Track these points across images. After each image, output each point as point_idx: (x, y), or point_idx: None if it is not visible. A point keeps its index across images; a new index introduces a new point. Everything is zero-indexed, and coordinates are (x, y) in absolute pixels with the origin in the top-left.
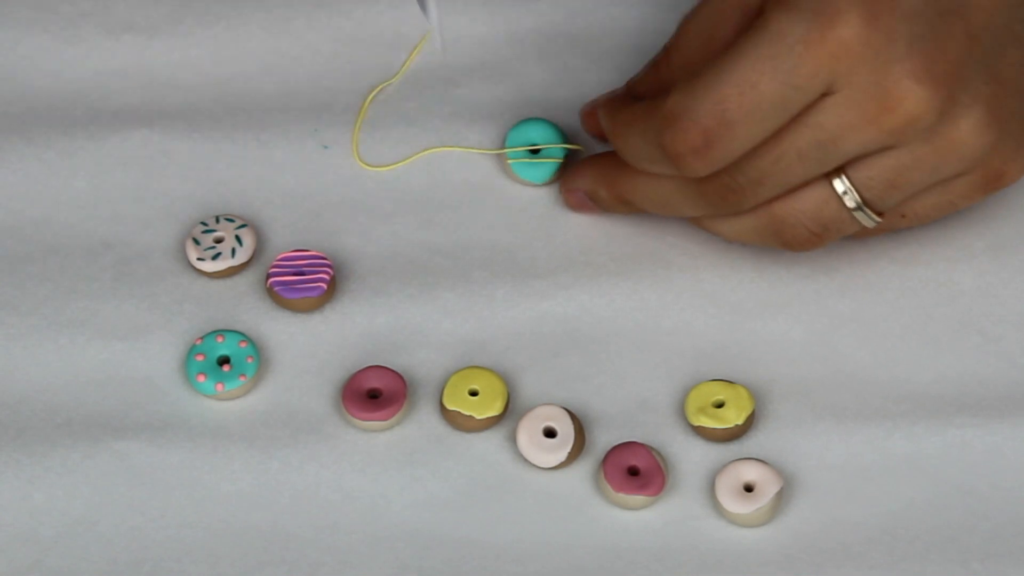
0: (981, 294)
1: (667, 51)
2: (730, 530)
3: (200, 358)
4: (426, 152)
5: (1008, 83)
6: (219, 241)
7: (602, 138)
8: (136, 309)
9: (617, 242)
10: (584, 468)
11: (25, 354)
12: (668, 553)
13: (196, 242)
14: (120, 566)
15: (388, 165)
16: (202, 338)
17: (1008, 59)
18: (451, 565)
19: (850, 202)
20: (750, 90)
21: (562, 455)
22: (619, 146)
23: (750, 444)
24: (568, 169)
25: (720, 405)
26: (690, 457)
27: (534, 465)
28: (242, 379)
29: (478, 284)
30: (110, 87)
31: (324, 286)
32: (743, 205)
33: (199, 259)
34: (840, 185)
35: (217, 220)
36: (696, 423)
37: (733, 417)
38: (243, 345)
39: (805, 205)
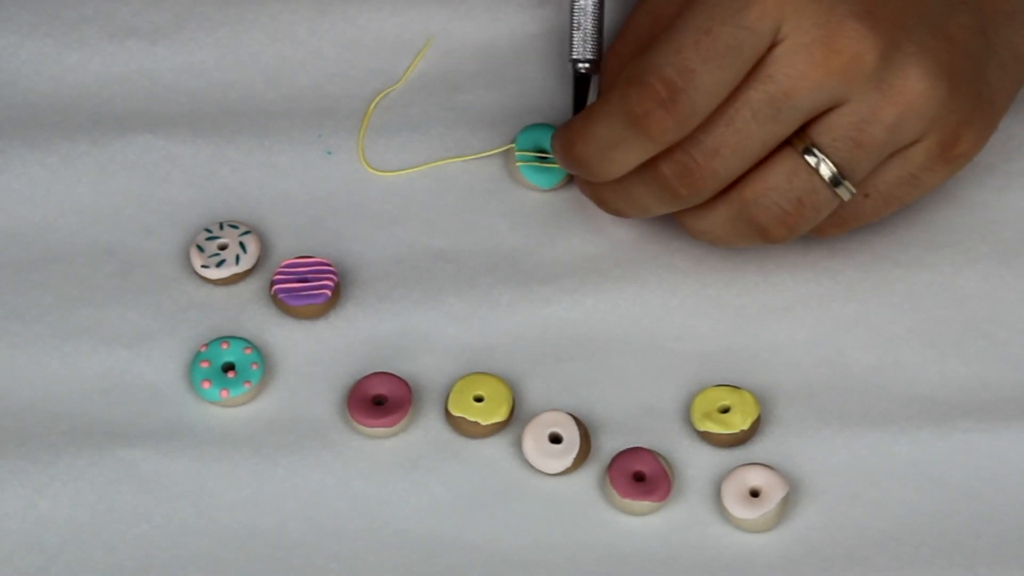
0: (986, 298)
1: (618, 39)
2: (736, 535)
3: (205, 365)
4: (436, 163)
5: (959, 44)
6: (223, 248)
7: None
8: (140, 316)
9: (622, 247)
10: (590, 474)
11: (29, 362)
12: (674, 559)
13: (200, 249)
14: (126, 573)
15: (395, 171)
16: (207, 345)
17: (958, 21)
18: (457, 571)
19: (825, 172)
20: (704, 36)
21: (568, 461)
22: (580, 151)
23: (756, 449)
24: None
25: (725, 410)
26: (696, 462)
27: (540, 471)
28: (247, 386)
29: (483, 290)
30: (113, 92)
31: (328, 293)
32: (705, 185)
33: (203, 266)
34: (811, 158)
35: (221, 227)
36: (702, 428)
37: (739, 422)
38: (248, 352)
39: (773, 180)
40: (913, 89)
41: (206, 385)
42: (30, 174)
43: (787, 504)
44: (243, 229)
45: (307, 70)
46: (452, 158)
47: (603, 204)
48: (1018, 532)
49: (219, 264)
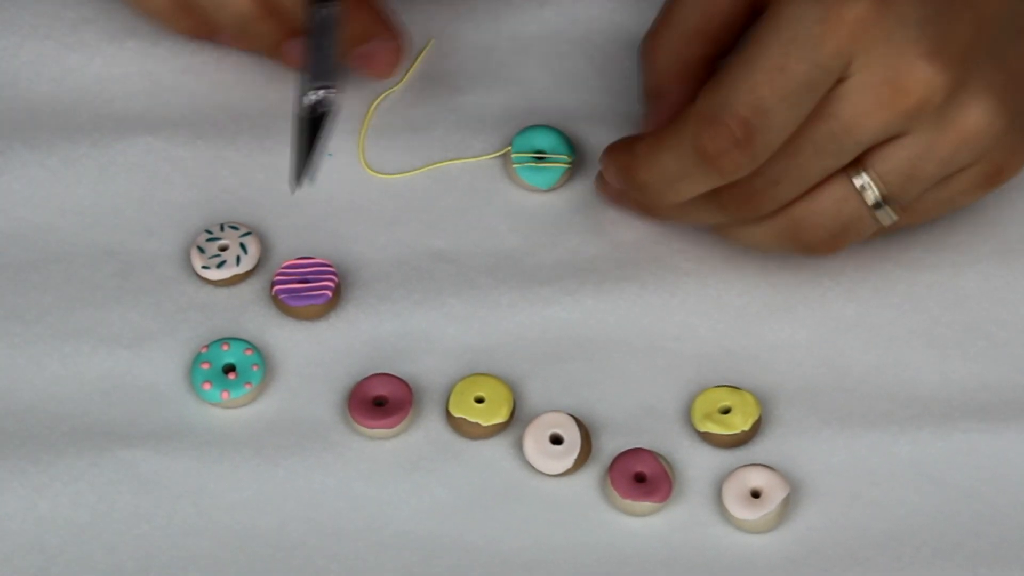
0: (987, 298)
1: (661, 24)
2: (737, 536)
3: (205, 366)
4: (436, 165)
5: (1018, 76)
6: (224, 249)
7: (619, 202)
8: (141, 317)
9: (622, 248)
10: (590, 475)
11: (30, 363)
12: (675, 560)
13: (201, 250)
14: (126, 574)
15: (395, 173)
16: (207, 346)
17: (1017, 50)
18: (457, 572)
19: (870, 198)
20: (779, 75)
21: (568, 462)
22: (644, 179)
23: (756, 450)
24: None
25: (726, 411)
26: (696, 463)
27: (540, 472)
28: (247, 387)
29: (483, 290)
30: (113, 94)
31: (329, 294)
32: (762, 209)
33: (204, 267)
34: (859, 180)
35: (222, 228)
36: (702, 429)
37: (739, 423)
38: (248, 353)
39: (823, 205)
40: (973, 125)
41: (207, 386)
42: (30, 175)
43: (788, 505)
44: (243, 230)
45: None
46: (448, 160)
47: (647, 213)
48: (1019, 533)
49: (220, 265)
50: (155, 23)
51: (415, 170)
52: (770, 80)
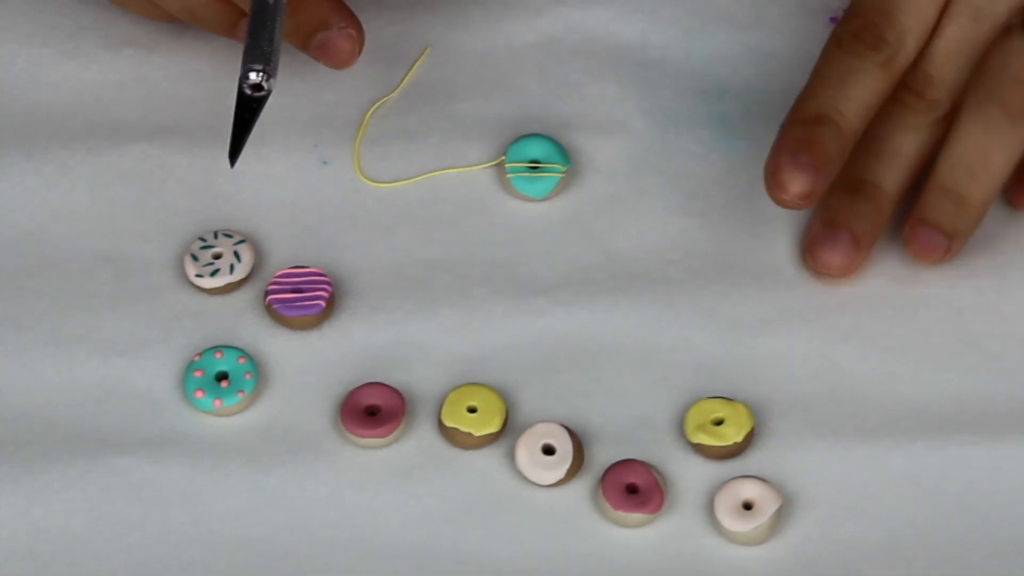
0: (982, 311)
1: None
2: (729, 548)
3: (198, 374)
4: (431, 174)
5: None
6: (217, 257)
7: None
8: (135, 325)
9: (617, 258)
10: (583, 485)
11: (23, 370)
12: (666, 571)
13: (194, 258)
14: None
15: (391, 182)
16: (200, 354)
17: None
18: None
19: None
20: None
21: (561, 472)
22: (821, 102)
23: (749, 462)
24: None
25: (719, 422)
26: (689, 475)
27: (532, 482)
28: (240, 395)
29: (477, 300)
30: (110, 101)
31: (323, 304)
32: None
33: (197, 275)
34: None
35: (216, 236)
36: (695, 440)
37: (732, 434)
38: (241, 361)
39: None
40: None
41: (199, 394)
42: (26, 182)
43: (780, 517)
44: (238, 238)
45: (303, 78)
46: (443, 169)
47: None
48: (1013, 545)
49: (213, 273)
50: (118, 6)
51: (410, 179)
52: None
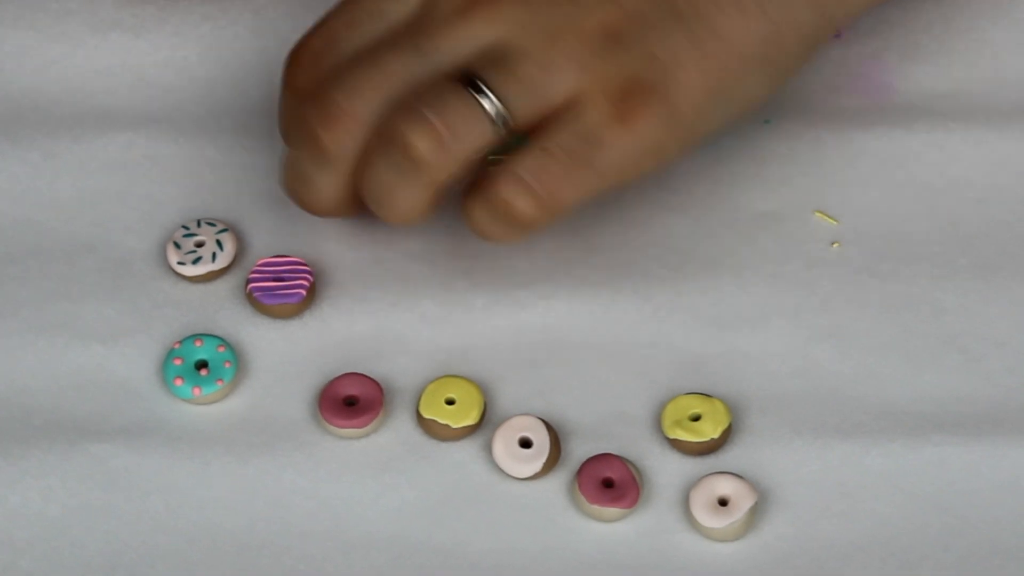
0: (963, 312)
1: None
2: (704, 544)
3: (178, 362)
4: None
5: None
6: (200, 245)
7: None
8: (116, 312)
9: (598, 253)
10: (559, 479)
11: (3, 356)
12: (641, 566)
13: (177, 246)
14: (94, 570)
15: None
16: (180, 342)
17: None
18: (424, 574)
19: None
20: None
21: (537, 466)
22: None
23: (726, 458)
24: None
25: (696, 418)
26: (665, 470)
27: (509, 475)
28: (219, 384)
29: (458, 293)
30: (95, 88)
31: (303, 292)
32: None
33: (179, 263)
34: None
35: (198, 224)
36: (672, 436)
37: (709, 431)
38: (221, 350)
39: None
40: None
41: (178, 382)
42: (10, 169)
43: (755, 513)
44: (220, 227)
45: None
46: None
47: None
48: (988, 546)
49: (195, 261)
50: None
51: None
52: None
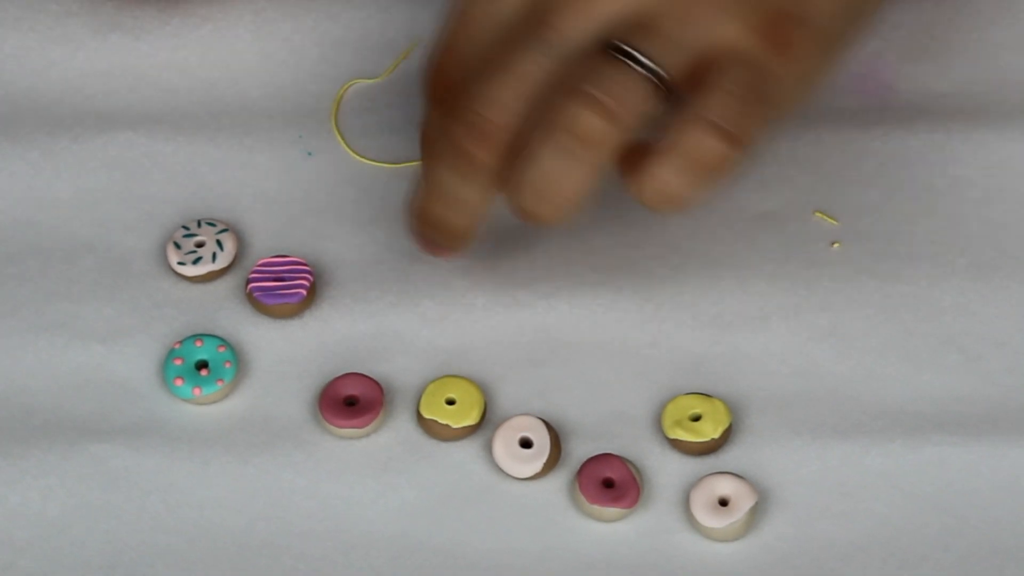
0: (962, 312)
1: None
2: (704, 544)
3: (178, 362)
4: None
5: None
6: (200, 245)
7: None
8: (116, 312)
9: (597, 253)
10: (559, 479)
11: (3, 355)
12: (641, 566)
13: (177, 246)
14: (94, 570)
15: (379, 161)
16: (181, 342)
17: None
18: (424, 573)
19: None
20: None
21: (537, 466)
22: (430, 209)
23: (726, 458)
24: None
25: (697, 418)
26: (665, 470)
27: (509, 475)
28: (220, 384)
29: (458, 292)
30: (95, 88)
31: (303, 292)
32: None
33: (179, 263)
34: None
35: (199, 224)
36: (672, 436)
37: (709, 431)
38: (221, 350)
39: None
40: None
41: (179, 382)
42: (11, 169)
43: (755, 514)
44: (220, 227)
45: (290, 69)
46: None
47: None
48: (987, 546)
49: (195, 261)
50: None
51: (404, 163)
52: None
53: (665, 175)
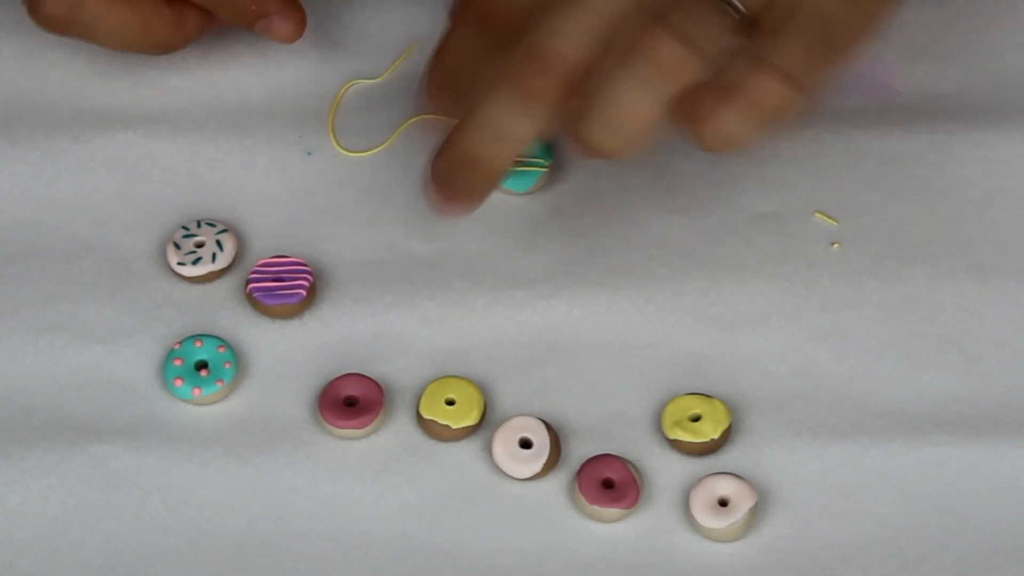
0: (961, 312)
1: None
2: (704, 545)
3: (178, 363)
4: (407, 124)
5: None
6: (200, 246)
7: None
8: (116, 313)
9: (597, 253)
10: (559, 480)
11: (3, 356)
12: (641, 566)
13: (176, 246)
14: (94, 570)
15: (367, 151)
16: (180, 343)
17: None
18: (424, 574)
19: None
20: None
21: (537, 466)
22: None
23: (726, 458)
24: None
25: (696, 419)
26: (665, 471)
27: (509, 476)
28: (219, 384)
29: (458, 293)
30: (95, 88)
31: (303, 293)
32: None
33: (179, 263)
34: None
35: (198, 225)
36: (672, 436)
37: (709, 431)
38: (221, 350)
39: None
40: None
41: (178, 383)
42: (11, 169)
43: (755, 514)
44: (220, 227)
45: (289, 69)
46: (423, 116)
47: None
48: (987, 546)
49: (195, 262)
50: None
51: (387, 140)
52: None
53: (728, 117)
